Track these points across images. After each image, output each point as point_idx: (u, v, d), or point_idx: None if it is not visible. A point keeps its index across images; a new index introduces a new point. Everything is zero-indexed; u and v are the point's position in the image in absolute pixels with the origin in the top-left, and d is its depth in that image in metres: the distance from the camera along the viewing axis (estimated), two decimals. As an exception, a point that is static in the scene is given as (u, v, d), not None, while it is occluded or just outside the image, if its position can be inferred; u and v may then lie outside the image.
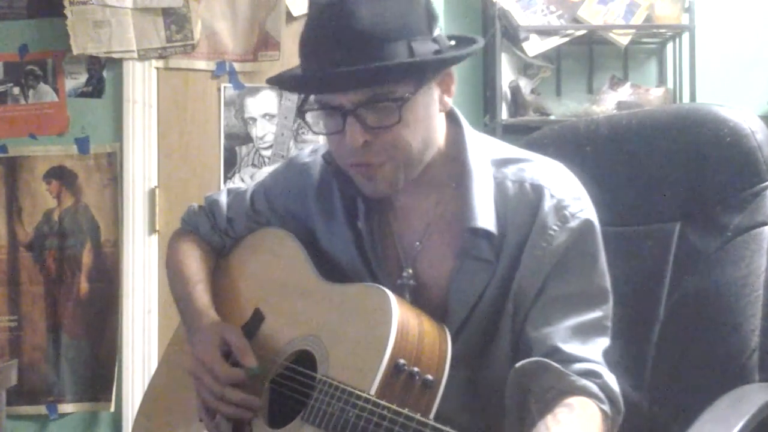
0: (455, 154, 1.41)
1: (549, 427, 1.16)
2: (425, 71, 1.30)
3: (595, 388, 1.26)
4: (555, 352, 1.29)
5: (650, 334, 1.58)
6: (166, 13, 3.18)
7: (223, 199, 1.67)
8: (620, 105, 3.13)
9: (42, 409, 3.18)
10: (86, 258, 3.20)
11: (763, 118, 1.57)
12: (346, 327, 1.34)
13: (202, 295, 1.57)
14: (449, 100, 1.38)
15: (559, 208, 1.35)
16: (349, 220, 1.47)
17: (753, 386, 1.41)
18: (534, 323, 1.33)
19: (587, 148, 1.47)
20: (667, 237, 1.60)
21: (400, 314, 1.27)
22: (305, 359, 1.39)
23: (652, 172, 1.63)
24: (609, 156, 1.61)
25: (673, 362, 1.54)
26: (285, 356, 1.43)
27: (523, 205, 1.37)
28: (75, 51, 3.14)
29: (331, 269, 1.49)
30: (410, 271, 1.42)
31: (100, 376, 3.19)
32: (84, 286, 3.20)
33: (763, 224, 1.49)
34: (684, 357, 1.52)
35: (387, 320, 1.25)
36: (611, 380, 1.30)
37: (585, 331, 1.32)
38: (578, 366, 1.28)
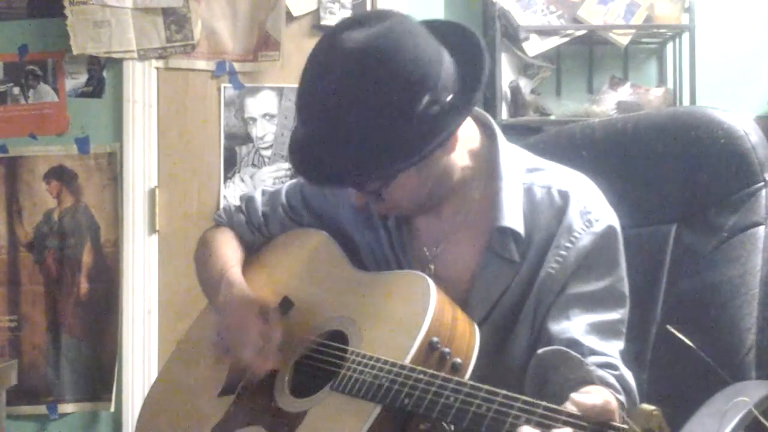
0: (488, 164, 1.46)
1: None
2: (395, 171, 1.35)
3: (612, 379, 1.30)
4: (574, 344, 1.33)
5: (648, 335, 1.60)
6: (166, 13, 3.18)
7: (259, 196, 1.71)
8: (620, 105, 3.12)
9: (42, 409, 3.18)
10: (86, 258, 3.20)
11: (763, 118, 1.58)
12: (381, 308, 1.38)
13: (237, 276, 1.59)
14: (452, 145, 1.39)
15: (585, 213, 1.42)
16: (382, 220, 1.51)
17: (749, 383, 1.43)
18: (555, 317, 1.38)
19: (583, 152, 1.51)
20: (664, 238, 1.62)
21: (438, 297, 1.31)
22: (337, 339, 1.41)
23: (647, 175, 1.66)
24: (605, 159, 1.63)
25: (670, 362, 1.54)
26: (315, 335, 1.45)
27: (550, 209, 1.42)
28: (75, 51, 3.14)
29: (362, 259, 1.54)
30: (432, 267, 1.46)
31: (100, 376, 3.19)
32: (84, 286, 3.20)
33: (758, 224, 1.51)
34: (681, 356, 1.52)
35: (426, 300, 1.30)
36: (628, 375, 1.34)
37: (603, 330, 1.37)
38: (596, 359, 1.32)
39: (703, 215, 1.57)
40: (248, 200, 1.72)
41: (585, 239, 1.40)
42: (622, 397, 1.28)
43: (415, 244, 1.51)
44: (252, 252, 1.71)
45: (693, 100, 3.10)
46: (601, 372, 1.28)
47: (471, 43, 1.39)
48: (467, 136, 1.44)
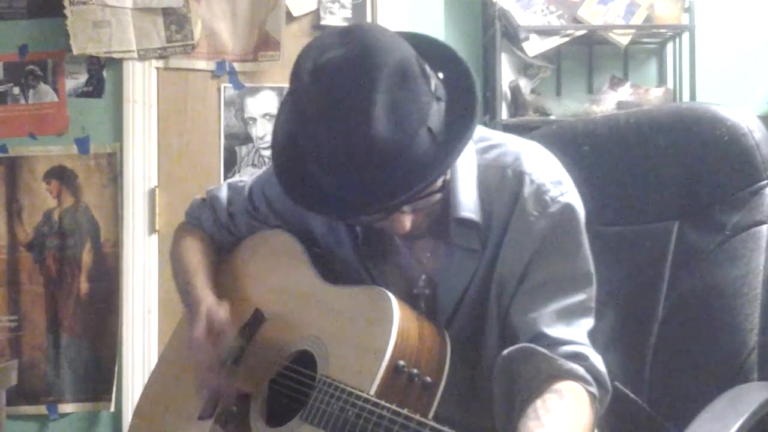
0: None
1: (539, 415, 1.17)
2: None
3: (582, 371, 1.27)
4: (541, 338, 1.30)
5: (649, 334, 1.59)
6: (166, 13, 3.18)
7: (223, 194, 1.67)
8: (620, 105, 3.12)
9: (42, 409, 3.18)
10: (86, 258, 3.20)
11: (763, 118, 1.57)
12: (347, 328, 1.34)
13: (202, 285, 1.58)
14: None
15: (539, 194, 1.36)
16: (350, 226, 1.47)
17: (752, 385, 1.42)
18: (518, 310, 1.35)
19: (585, 148, 1.48)
20: (666, 236, 1.60)
21: (401, 317, 1.28)
22: (305, 360, 1.39)
23: (650, 172, 1.64)
24: (607, 155, 1.61)
25: (671, 361, 1.54)
26: (285, 356, 1.43)
27: (505, 193, 1.37)
28: (75, 51, 3.14)
29: (331, 271, 1.50)
30: (423, 277, 1.44)
31: (100, 376, 3.19)
32: (84, 286, 3.20)
33: (762, 223, 1.50)
34: (683, 356, 1.52)
35: (388, 322, 1.26)
36: (597, 361, 1.31)
37: (569, 315, 1.33)
38: (564, 349, 1.29)
39: (706, 213, 1.55)
40: (213, 198, 1.68)
41: (540, 223, 1.34)
42: (593, 389, 1.27)
43: (394, 254, 1.47)
44: (222, 254, 1.70)
45: (693, 100, 3.10)
46: (570, 365, 1.26)
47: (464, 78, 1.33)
48: None
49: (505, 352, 1.28)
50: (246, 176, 1.73)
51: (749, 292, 1.47)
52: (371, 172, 1.20)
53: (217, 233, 1.69)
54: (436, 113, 1.24)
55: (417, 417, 1.15)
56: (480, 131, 1.45)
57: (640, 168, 1.65)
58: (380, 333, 1.26)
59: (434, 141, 1.23)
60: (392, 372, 1.23)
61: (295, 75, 1.26)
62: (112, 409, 3.17)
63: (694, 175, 1.58)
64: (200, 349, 1.45)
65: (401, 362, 1.23)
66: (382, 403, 1.18)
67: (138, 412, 1.69)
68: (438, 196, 1.32)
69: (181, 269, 1.64)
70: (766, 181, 1.52)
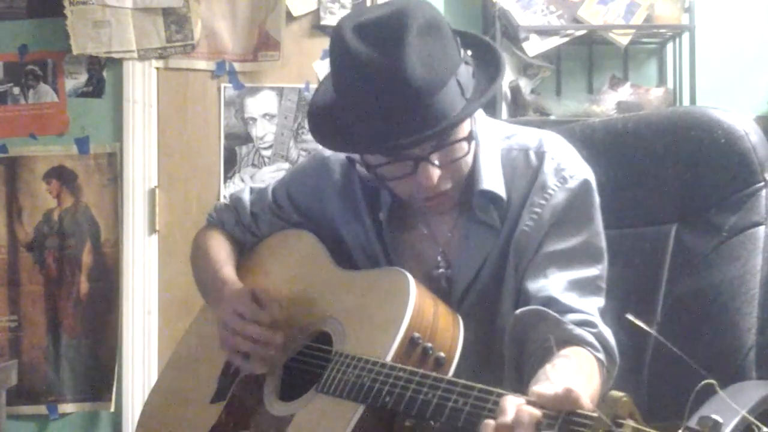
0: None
1: (549, 377, 1.17)
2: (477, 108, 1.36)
3: (590, 338, 1.29)
4: (552, 303, 1.33)
5: (648, 335, 1.59)
6: (166, 13, 3.19)
7: (246, 196, 1.71)
8: (620, 105, 3.12)
9: (42, 409, 3.18)
10: (86, 258, 3.21)
11: (763, 118, 1.58)
12: (364, 306, 1.38)
13: (229, 274, 1.60)
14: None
15: (559, 170, 1.43)
16: (372, 212, 1.51)
17: (749, 383, 1.43)
18: (532, 276, 1.38)
19: (583, 152, 1.50)
20: (664, 238, 1.62)
21: (418, 293, 1.31)
22: (323, 340, 1.42)
23: (647, 175, 1.65)
24: (605, 159, 1.63)
25: (670, 362, 1.54)
26: (302, 337, 1.45)
27: (527, 170, 1.44)
28: (75, 51, 3.14)
29: (349, 259, 1.54)
30: (442, 258, 1.47)
31: (100, 376, 3.19)
32: (84, 286, 3.20)
33: (758, 224, 1.51)
34: (681, 357, 1.52)
35: (405, 296, 1.30)
36: (607, 332, 1.33)
37: (581, 287, 1.36)
38: (574, 316, 1.31)
39: (704, 215, 1.57)
40: (236, 200, 1.72)
41: (559, 195, 1.41)
42: (600, 355, 1.29)
43: (416, 237, 1.51)
44: (243, 254, 1.72)
45: (693, 100, 3.11)
46: (579, 330, 1.28)
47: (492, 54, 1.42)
48: None
49: (518, 312, 1.32)
50: (261, 184, 1.81)
51: (747, 293, 1.49)
52: (402, 113, 1.27)
53: (239, 234, 1.71)
54: (464, 72, 1.32)
55: (434, 374, 1.18)
56: (502, 125, 1.54)
57: (637, 171, 1.67)
58: (396, 306, 1.30)
59: (462, 95, 1.31)
60: (407, 343, 1.26)
61: (335, 37, 1.33)
62: (112, 409, 3.17)
63: (692, 178, 1.60)
64: (235, 307, 1.44)
65: (416, 334, 1.27)
66: (399, 365, 1.22)
67: (147, 406, 1.70)
68: (465, 150, 1.36)
69: (204, 264, 1.66)
70: (762, 183, 1.54)
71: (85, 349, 3.20)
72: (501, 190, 1.42)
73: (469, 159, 1.40)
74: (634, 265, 1.62)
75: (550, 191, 1.41)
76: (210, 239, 1.71)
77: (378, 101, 1.27)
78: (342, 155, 1.57)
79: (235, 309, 1.44)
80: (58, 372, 3.19)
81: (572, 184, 1.42)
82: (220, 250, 1.67)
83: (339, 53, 1.33)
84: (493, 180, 1.42)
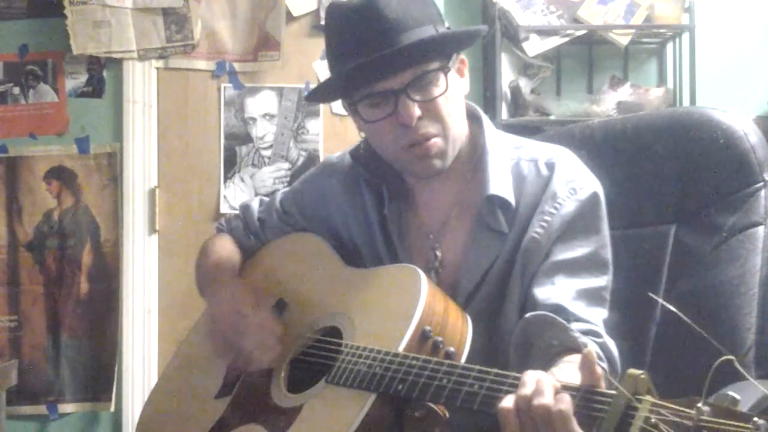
0: (476, 145, 1.51)
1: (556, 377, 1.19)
2: (454, 44, 1.44)
3: (595, 347, 1.31)
4: (560, 310, 1.34)
5: (648, 336, 1.60)
6: (166, 13, 3.19)
7: (255, 205, 1.76)
8: (620, 105, 3.12)
9: (42, 409, 3.18)
10: (86, 258, 3.21)
11: (763, 119, 1.59)
12: (374, 301, 1.40)
13: (231, 274, 1.64)
14: (466, 84, 1.50)
15: (569, 181, 1.45)
16: (377, 207, 1.54)
17: (749, 382, 1.42)
18: (540, 283, 1.40)
19: (582, 153, 1.51)
20: (663, 239, 1.63)
21: (429, 287, 1.33)
22: (333, 335, 1.42)
23: (647, 176, 1.66)
24: (604, 160, 1.63)
25: (670, 362, 1.54)
26: (310, 332, 1.46)
27: (537, 180, 1.47)
28: (75, 51, 3.15)
29: (358, 259, 1.56)
30: (438, 254, 1.49)
31: (100, 376, 3.19)
32: (84, 286, 3.20)
33: (758, 224, 1.52)
34: (681, 356, 1.52)
35: (417, 290, 1.32)
36: (611, 343, 1.36)
37: (588, 297, 1.39)
38: (580, 325, 1.33)
39: (703, 215, 1.58)
40: (245, 208, 1.76)
41: (569, 205, 1.43)
42: (604, 365, 1.30)
43: (413, 232, 1.53)
44: (249, 256, 1.73)
45: (693, 100, 3.10)
46: (584, 339, 1.29)
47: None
48: (463, 104, 1.51)
49: (527, 316, 1.34)
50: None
51: (746, 292, 1.50)
52: (378, 45, 1.35)
53: (246, 240, 1.73)
54: (442, 28, 1.41)
55: (447, 361, 1.20)
56: (511, 137, 1.58)
57: (636, 172, 1.67)
58: (408, 299, 1.31)
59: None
60: (419, 335, 1.27)
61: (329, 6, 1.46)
62: (112, 409, 3.17)
63: (691, 178, 1.61)
64: (241, 320, 1.47)
65: (428, 327, 1.28)
66: (411, 354, 1.23)
67: (148, 405, 1.70)
68: (442, 87, 1.40)
69: (209, 265, 1.68)
70: (761, 183, 1.54)
71: (85, 349, 3.20)
72: (510, 196, 1.44)
73: (450, 104, 1.43)
74: (634, 266, 1.62)
75: (560, 200, 1.43)
76: (215, 244, 1.74)
77: (355, 36, 1.38)
78: (347, 159, 1.61)
79: (237, 313, 1.48)
80: (58, 372, 3.19)
81: (582, 195, 1.44)
82: (224, 253, 1.70)
83: (329, 10, 1.44)
84: (501, 186, 1.45)
